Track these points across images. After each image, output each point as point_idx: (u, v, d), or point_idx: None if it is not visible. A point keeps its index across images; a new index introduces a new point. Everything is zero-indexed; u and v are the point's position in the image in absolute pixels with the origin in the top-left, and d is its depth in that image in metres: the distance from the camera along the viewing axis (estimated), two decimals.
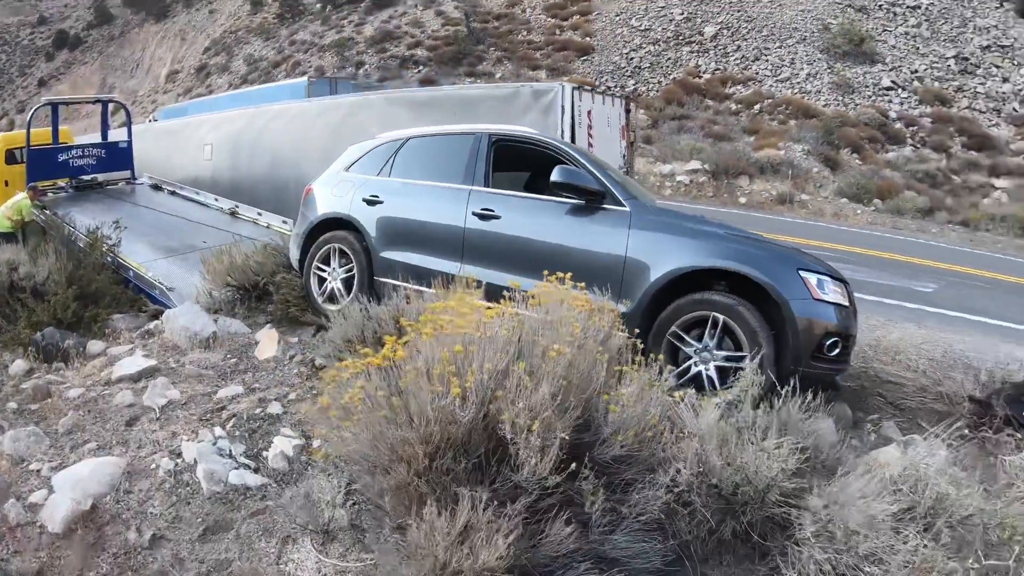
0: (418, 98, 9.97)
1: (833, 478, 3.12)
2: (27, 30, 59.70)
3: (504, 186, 5.37)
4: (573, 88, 7.98)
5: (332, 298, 5.80)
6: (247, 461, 3.64)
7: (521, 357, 2.96)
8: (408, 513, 2.64)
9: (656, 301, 4.33)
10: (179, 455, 3.65)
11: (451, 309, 3.31)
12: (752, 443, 2.98)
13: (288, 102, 13.03)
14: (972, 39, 27.74)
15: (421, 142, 5.92)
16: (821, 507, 2.83)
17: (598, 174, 4.81)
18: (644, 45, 30.07)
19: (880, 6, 29.40)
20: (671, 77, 28.17)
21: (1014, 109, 24.48)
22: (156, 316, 6.28)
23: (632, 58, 29.69)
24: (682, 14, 30.91)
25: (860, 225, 16.22)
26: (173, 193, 10.73)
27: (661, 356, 3.67)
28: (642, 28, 30.95)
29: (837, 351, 4.14)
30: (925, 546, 2.59)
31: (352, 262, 5.69)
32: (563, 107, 7.86)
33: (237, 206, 9.94)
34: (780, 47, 28.04)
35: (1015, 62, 26.45)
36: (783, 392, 3.42)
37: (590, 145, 8.15)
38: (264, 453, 3.73)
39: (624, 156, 9.45)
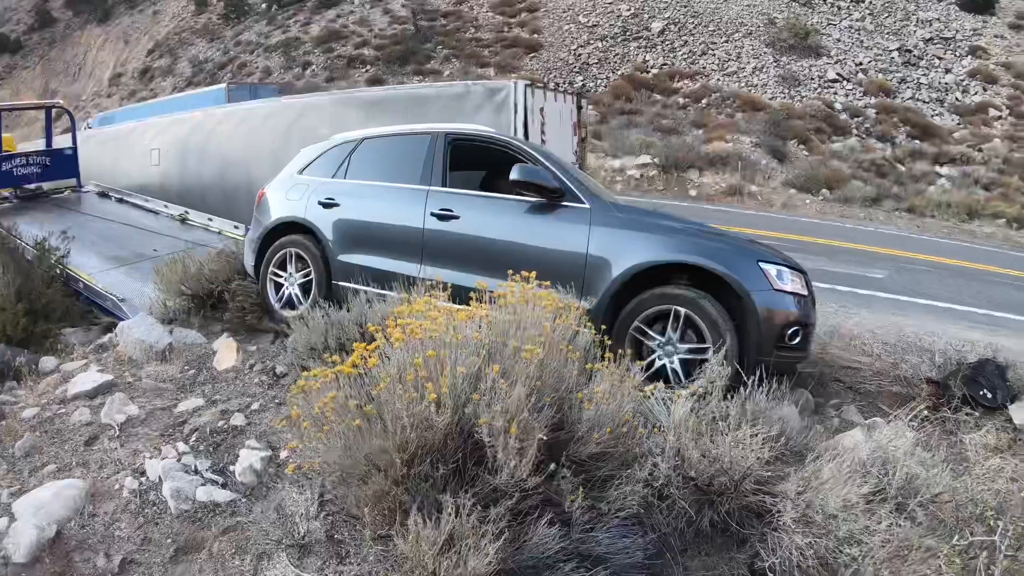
0: (368, 98, 9.85)
1: (803, 464, 3.19)
2: None
3: (461, 186, 5.34)
4: (526, 85, 7.98)
5: (290, 304, 5.69)
6: (214, 476, 3.54)
7: (492, 359, 2.94)
8: (389, 523, 2.60)
9: (619, 297, 4.36)
10: (143, 474, 3.53)
11: (418, 313, 3.27)
12: (725, 434, 3.02)
13: (236, 104, 12.77)
14: (915, 32, 28.69)
15: (376, 143, 5.84)
16: (796, 493, 2.88)
17: (557, 172, 4.82)
18: (592, 41, 30.21)
19: (825, 0, 30.14)
20: (619, 73, 28.34)
21: (956, 99, 25.34)
22: (109, 329, 6.09)
23: (580, 54, 29.80)
24: (629, 10, 31.15)
25: (809, 215, 16.58)
26: (121, 200, 10.48)
27: (629, 351, 3.69)
28: (589, 24, 31.09)
29: (798, 339, 4.23)
30: (899, 526, 2.66)
31: (309, 267, 5.60)
32: (516, 105, 7.85)
33: (187, 212, 9.75)
34: (727, 42, 28.48)
35: (956, 53, 27.41)
36: (749, 382, 3.48)
37: (543, 142, 8.16)
38: (231, 467, 3.63)
39: (576, 152, 9.48)
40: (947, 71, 26.89)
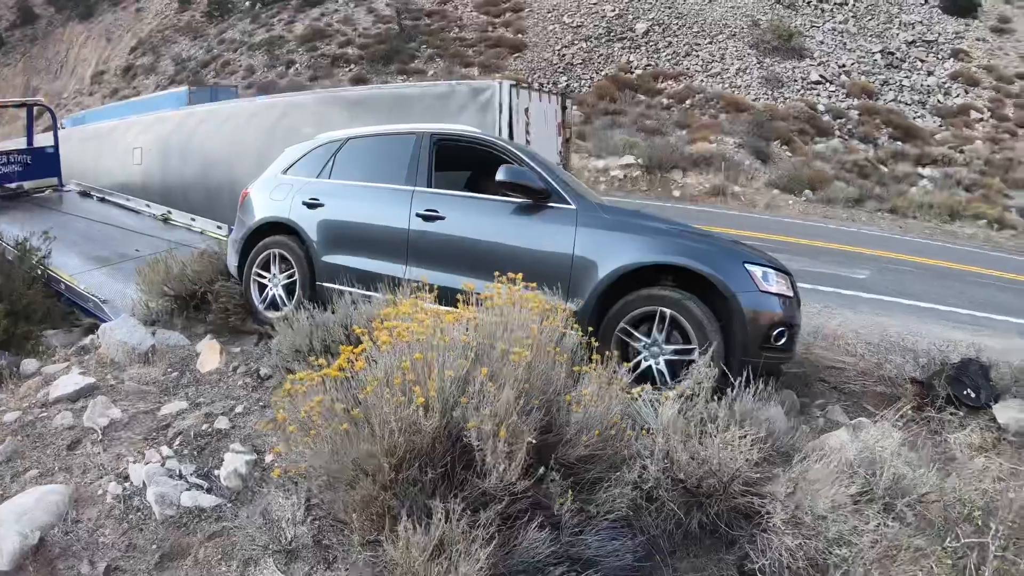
0: (353, 97, 9.79)
1: (790, 464, 3.19)
2: None
3: (446, 186, 5.31)
4: (511, 85, 7.96)
5: (274, 305, 5.65)
6: (199, 481, 3.49)
7: (480, 362, 2.93)
8: (378, 528, 2.58)
9: (605, 298, 4.36)
10: (127, 478, 3.47)
11: (405, 315, 3.25)
12: (714, 436, 3.02)
13: (220, 103, 12.67)
14: (898, 34, 29.01)
15: (361, 143, 5.81)
16: (784, 494, 2.89)
17: (543, 173, 4.81)
18: (576, 42, 30.26)
19: (808, 2, 30.44)
20: (603, 73, 28.43)
21: (938, 101, 25.63)
22: (91, 330, 6.00)
23: (564, 55, 29.84)
24: (613, 11, 31.24)
25: (793, 215, 16.68)
26: (103, 200, 10.36)
27: (615, 353, 3.69)
28: (574, 25, 31.14)
29: (784, 340, 4.25)
30: (888, 526, 2.67)
31: (293, 267, 5.56)
32: (500, 105, 7.83)
33: (169, 212, 9.66)
34: (711, 43, 28.66)
35: (939, 56, 27.73)
36: (735, 383, 3.49)
37: (528, 142, 8.15)
38: (216, 471, 3.58)
39: (561, 153, 9.48)
40: (929, 73, 27.24)
